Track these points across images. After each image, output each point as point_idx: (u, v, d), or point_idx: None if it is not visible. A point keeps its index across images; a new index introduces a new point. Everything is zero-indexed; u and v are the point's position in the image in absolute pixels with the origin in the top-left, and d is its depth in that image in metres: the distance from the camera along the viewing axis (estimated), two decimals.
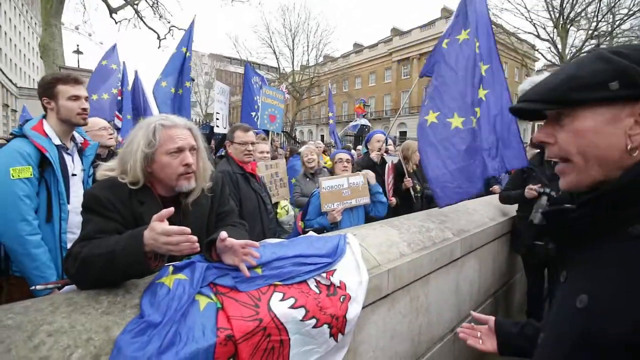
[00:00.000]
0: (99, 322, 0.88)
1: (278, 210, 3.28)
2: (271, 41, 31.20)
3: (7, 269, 1.74)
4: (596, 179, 0.65)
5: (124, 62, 5.53)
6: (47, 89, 1.84)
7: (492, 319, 1.08)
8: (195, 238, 1.02)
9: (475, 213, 2.78)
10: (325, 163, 3.52)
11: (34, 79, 49.09)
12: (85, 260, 1.00)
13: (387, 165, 3.65)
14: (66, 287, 1.14)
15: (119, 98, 5.34)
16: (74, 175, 1.89)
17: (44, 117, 1.88)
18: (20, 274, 1.69)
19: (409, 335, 1.86)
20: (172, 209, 1.04)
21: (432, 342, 2.06)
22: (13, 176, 1.62)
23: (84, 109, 1.90)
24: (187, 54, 4.79)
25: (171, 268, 1.10)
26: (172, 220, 1.23)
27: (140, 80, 5.79)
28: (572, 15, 17.51)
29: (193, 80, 5.59)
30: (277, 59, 31.32)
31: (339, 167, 2.99)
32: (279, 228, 3.21)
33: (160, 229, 0.98)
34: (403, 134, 34.51)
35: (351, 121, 9.37)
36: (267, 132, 5.39)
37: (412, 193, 3.57)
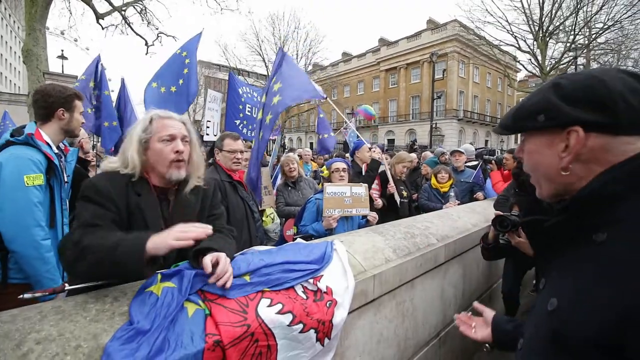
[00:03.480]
0: (87, 329, 0.89)
1: (263, 219, 3.28)
2: (260, 49, 31.37)
3: (4, 277, 1.75)
4: (550, 191, 0.75)
5: (100, 64, 5.23)
6: (67, 102, 1.95)
7: (490, 313, 1.16)
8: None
9: (458, 219, 2.86)
10: (323, 173, 3.59)
11: (15, 84, 47.80)
12: (85, 248, 1.04)
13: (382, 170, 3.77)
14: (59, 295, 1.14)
15: (94, 103, 5.07)
16: (66, 182, 1.94)
17: (39, 125, 1.91)
18: (24, 281, 1.72)
19: (395, 340, 1.89)
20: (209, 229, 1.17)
21: (418, 346, 2.10)
22: (27, 183, 1.67)
23: (82, 122, 2.10)
24: (187, 60, 4.78)
25: (159, 276, 1.11)
26: (161, 208, 1.35)
27: (126, 89, 5.62)
28: (551, 28, 18.30)
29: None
30: (266, 66, 31.40)
31: (336, 177, 2.97)
32: (265, 236, 3.21)
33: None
34: (391, 142, 35.00)
35: (339, 129, 9.40)
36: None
37: (397, 198, 3.66)
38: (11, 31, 47.70)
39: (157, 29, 14.54)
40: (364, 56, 42.74)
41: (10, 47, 47.67)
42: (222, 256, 1.17)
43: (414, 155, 6.29)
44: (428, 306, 2.19)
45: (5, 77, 45.91)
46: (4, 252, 1.71)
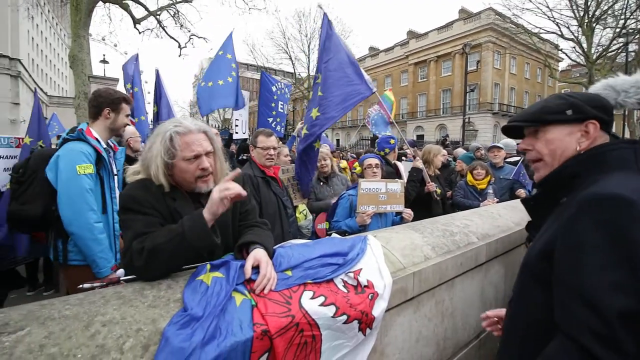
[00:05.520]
0: (146, 314, 0.94)
1: (296, 215, 3.30)
2: (287, 47, 31.67)
3: (65, 259, 1.95)
4: (547, 173, 1.05)
5: (134, 64, 5.46)
6: (114, 103, 2.13)
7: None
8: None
9: (500, 218, 2.73)
10: (355, 169, 3.55)
11: (63, 88, 51.52)
12: (153, 250, 1.10)
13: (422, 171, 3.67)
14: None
15: None
16: (115, 175, 2.14)
17: (90, 123, 2.11)
18: (82, 263, 1.91)
19: (434, 339, 1.85)
20: (238, 170, 1.31)
21: (457, 347, 2.04)
22: (79, 172, 1.86)
23: (126, 124, 2.26)
24: (228, 56, 5.26)
25: (208, 266, 1.15)
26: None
27: (161, 80, 5.69)
28: (597, 13, 16.85)
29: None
30: (293, 64, 31.74)
31: (369, 173, 2.91)
32: (298, 232, 3.23)
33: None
34: (420, 137, 34.12)
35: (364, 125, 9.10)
36: (284, 136, 5.45)
37: (434, 196, 3.55)
38: (58, 38, 51.32)
39: (189, 31, 15.07)
40: (391, 50, 41.86)
41: (58, 54, 51.35)
42: (263, 260, 1.18)
43: None
44: (468, 307, 2.11)
45: (54, 81, 49.58)
46: (64, 237, 1.91)
